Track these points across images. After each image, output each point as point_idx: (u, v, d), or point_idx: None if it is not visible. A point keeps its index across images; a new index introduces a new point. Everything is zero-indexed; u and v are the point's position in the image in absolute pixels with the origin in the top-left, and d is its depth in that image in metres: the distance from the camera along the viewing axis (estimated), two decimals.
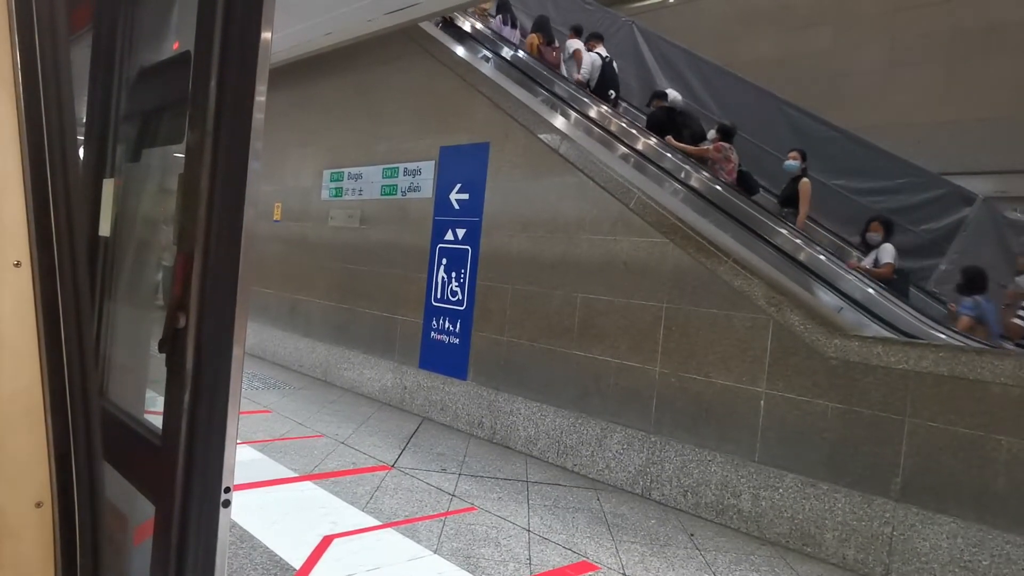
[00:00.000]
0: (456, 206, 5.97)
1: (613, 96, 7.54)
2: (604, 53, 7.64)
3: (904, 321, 4.70)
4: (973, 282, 5.23)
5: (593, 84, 7.44)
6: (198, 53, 1.30)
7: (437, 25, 6.66)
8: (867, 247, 5.90)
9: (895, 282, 5.40)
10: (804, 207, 6.15)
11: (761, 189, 6.78)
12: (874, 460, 3.57)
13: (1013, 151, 7.70)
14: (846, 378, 3.69)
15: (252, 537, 3.33)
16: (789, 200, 6.33)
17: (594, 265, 4.88)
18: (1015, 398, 3.17)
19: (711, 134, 6.82)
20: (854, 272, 5.20)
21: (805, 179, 6.26)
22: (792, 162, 6.33)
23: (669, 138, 6.54)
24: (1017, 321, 4.87)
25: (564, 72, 7.70)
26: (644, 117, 7.44)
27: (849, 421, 3.67)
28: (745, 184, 6.50)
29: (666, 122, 6.75)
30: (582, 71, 7.42)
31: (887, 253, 5.56)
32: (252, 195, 1.26)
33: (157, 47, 1.83)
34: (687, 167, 6.37)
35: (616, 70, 7.77)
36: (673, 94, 7.33)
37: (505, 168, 5.60)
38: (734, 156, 6.51)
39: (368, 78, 7.22)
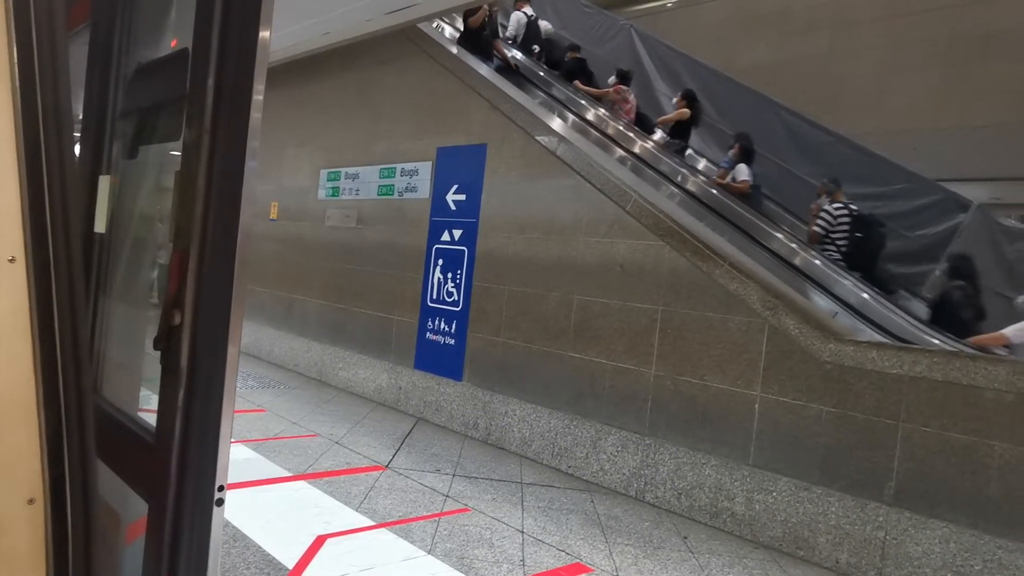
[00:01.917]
0: (453, 207, 5.97)
1: (537, 50, 8.36)
2: (530, 12, 8.46)
3: (899, 326, 4.72)
4: (746, 151, 6.75)
5: (520, 39, 8.31)
6: (196, 51, 1.30)
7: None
8: (732, 165, 6.92)
9: (750, 197, 6.51)
10: (669, 116, 7.51)
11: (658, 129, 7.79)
12: (868, 464, 3.58)
13: (1008, 158, 7.75)
14: (840, 382, 3.70)
15: (245, 536, 3.32)
16: (677, 131, 7.51)
17: (590, 267, 4.89)
18: (1008, 404, 3.19)
19: (611, 79, 7.83)
20: (715, 187, 6.30)
21: (685, 109, 7.40)
22: (673, 100, 7.74)
23: (577, 83, 7.67)
24: (816, 229, 5.99)
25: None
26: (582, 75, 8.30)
27: (843, 425, 3.68)
28: (642, 124, 7.59)
29: (576, 70, 8.02)
30: (508, 29, 8.28)
31: (742, 172, 6.57)
32: (249, 194, 1.26)
33: (155, 44, 1.83)
34: (684, 171, 6.40)
35: (541, 28, 8.62)
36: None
37: (502, 169, 5.60)
38: (631, 98, 7.69)
39: (366, 78, 7.22)
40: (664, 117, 7.65)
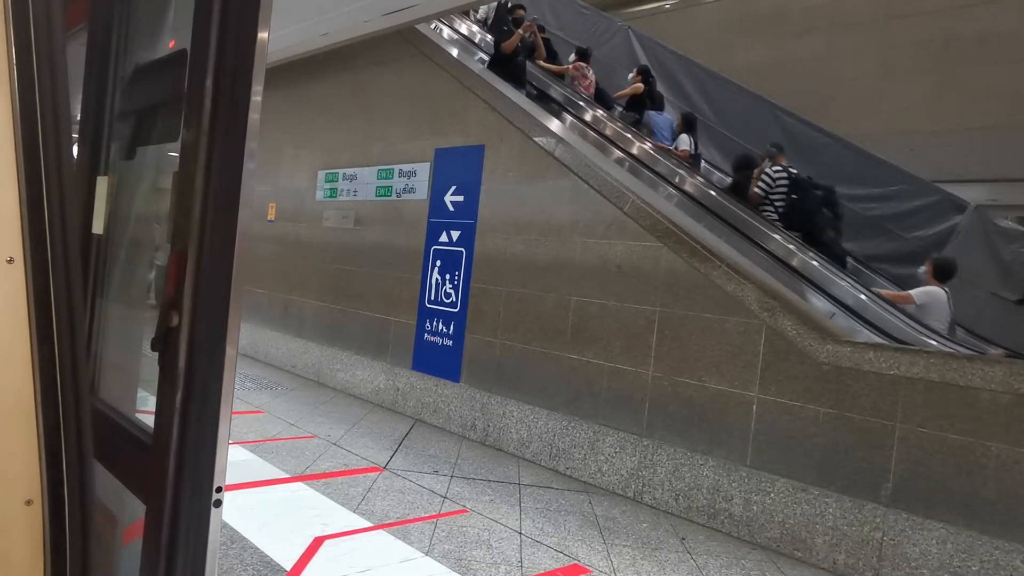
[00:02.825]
0: (451, 208, 5.97)
1: (506, 30, 8.62)
2: None
3: (896, 327, 4.73)
4: (688, 123, 7.40)
5: (490, 22, 8.62)
6: (194, 52, 1.30)
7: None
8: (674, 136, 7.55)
9: (691, 164, 6.90)
10: (625, 91, 8.05)
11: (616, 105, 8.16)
12: (865, 465, 3.59)
13: (1004, 160, 7.77)
14: (838, 383, 3.71)
15: (243, 538, 3.31)
16: (632, 104, 8.01)
17: (588, 268, 4.89)
18: (1004, 405, 3.19)
19: (571, 57, 8.16)
20: (666, 156, 6.65)
21: (639, 84, 7.93)
22: (629, 76, 8.20)
23: (540, 61, 7.95)
24: (756, 191, 6.18)
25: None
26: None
27: (840, 426, 3.68)
28: (601, 100, 7.88)
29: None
30: (479, 12, 8.87)
31: (683, 142, 7.19)
32: (247, 195, 1.25)
33: (153, 45, 1.82)
34: (681, 171, 6.41)
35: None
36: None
37: (500, 171, 5.60)
38: (591, 74, 7.96)
39: (364, 79, 7.22)
40: (620, 92, 8.05)
